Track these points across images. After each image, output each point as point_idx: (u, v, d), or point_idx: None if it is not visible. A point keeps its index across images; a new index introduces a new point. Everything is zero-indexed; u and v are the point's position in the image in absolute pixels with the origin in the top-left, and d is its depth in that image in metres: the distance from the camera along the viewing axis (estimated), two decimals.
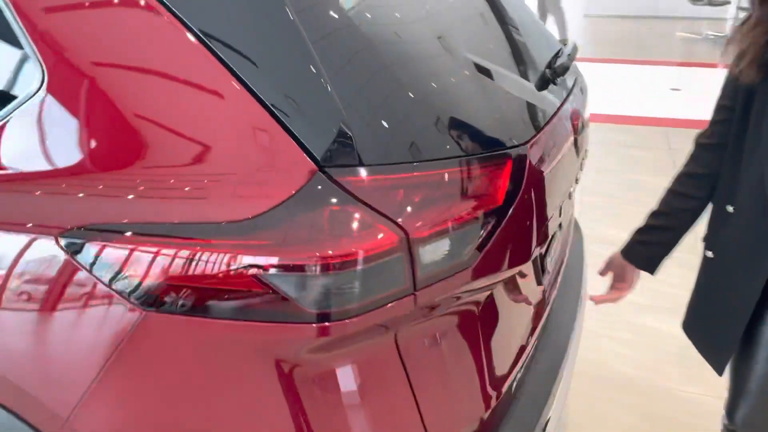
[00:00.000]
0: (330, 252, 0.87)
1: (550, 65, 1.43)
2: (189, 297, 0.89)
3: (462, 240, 0.97)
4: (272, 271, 0.87)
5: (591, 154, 4.80)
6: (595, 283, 1.88)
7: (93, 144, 0.98)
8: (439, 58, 1.18)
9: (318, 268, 0.86)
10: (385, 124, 0.97)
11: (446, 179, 0.97)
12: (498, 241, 1.01)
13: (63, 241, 0.96)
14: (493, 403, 1.15)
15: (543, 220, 1.16)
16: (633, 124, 5.60)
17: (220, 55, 0.91)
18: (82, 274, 0.95)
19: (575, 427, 2.31)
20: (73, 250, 0.95)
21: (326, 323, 0.89)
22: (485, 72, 1.23)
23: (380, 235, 0.90)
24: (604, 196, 4.12)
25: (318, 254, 0.86)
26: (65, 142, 0.98)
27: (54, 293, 0.98)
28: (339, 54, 0.98)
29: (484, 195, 1.01)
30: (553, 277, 1.55)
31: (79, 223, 0.95)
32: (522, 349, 1.30)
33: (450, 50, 1.22)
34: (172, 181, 0.92)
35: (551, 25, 8.37)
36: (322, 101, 0.92)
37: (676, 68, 7.40)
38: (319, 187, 0.90)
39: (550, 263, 1.50)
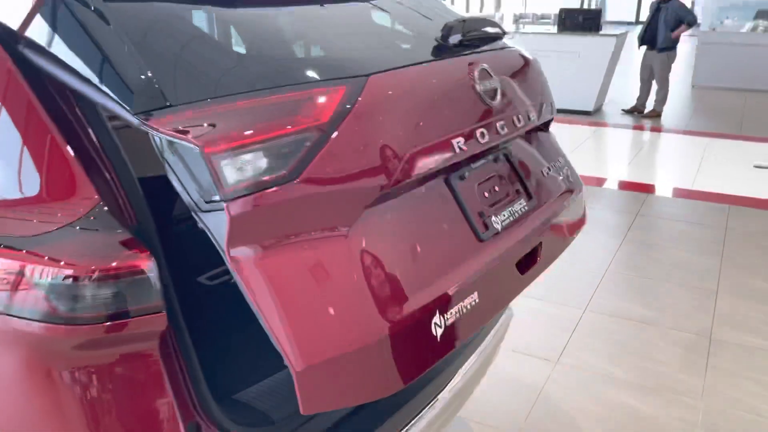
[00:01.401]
0: (84, 266, 1.08)
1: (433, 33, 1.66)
2: None
3: (275, 158, 1.09)
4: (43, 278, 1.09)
5: (637, 227, 4.73)
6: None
7: None
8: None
9: (72, 279, 1.08)
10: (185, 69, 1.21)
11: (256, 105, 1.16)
12: (326, 160, 1.13)
13: None
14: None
15: (391, 152, 1.25)
16: (695, 198, 5.35)
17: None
18: None
19: None
20: None
21: (81, 325, 1.09)
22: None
23: (129, 260, 1.10)
24: (634, 269, 3.98)
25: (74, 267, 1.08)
26: None
27: None
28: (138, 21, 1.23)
29: (302, 119, 1.15)
30: (511, 247, 1.55)
31: None
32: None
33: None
34: None
35: (653, 94, 8.24)
36: (129, 64, 1.14)
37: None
38: (92, 218, 1.13)
39: (499, 222, 1.54)
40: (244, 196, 1.06)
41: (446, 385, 1.70)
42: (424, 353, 1.25)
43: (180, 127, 1.06)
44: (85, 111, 1.22)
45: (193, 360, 1.25)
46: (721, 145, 7.00)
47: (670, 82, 8.28)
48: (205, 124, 1.08)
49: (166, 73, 1.17)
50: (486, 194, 1.57)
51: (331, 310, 1.12)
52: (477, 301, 1.36)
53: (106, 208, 1.15)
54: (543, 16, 22.09)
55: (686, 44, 14.09)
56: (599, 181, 5.85)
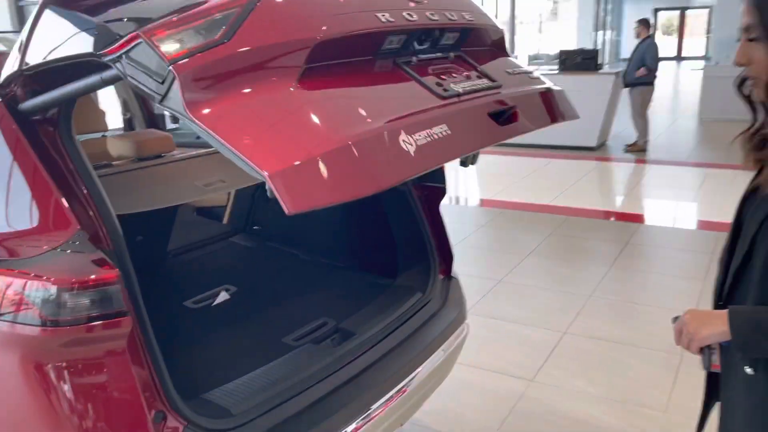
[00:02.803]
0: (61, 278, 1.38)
1: None
2: None
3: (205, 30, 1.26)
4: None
5: (626, 254, 4.87)
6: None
7: None
8: None
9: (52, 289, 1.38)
10: None
11: None
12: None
13: None
14: None
15: None
16: (686, 226, 5.51)
17: None
18: None
19: None
20: None
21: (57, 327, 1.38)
22: None
23: (96, 275, 1.40)
24: (618, 293, 4.16)
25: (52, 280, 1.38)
26: None
27: None
28: None
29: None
30: (477, 104, 1.63)
31: None
32: None
33: None
34: None
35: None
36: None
37: None
38: (78, 242, 1.43)
39: (459, 88, 1.62)
40: (184, 58, 1.24)
41: (383, 397, 1.91)
42: (397, 164, 1.33)
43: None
44: (74, 159, 1.54)
45: (158, 359, 1.52)
46: (722, 174, 7.14)
47: (649, 117, 8.53)
48: (151, 30, 1.29)
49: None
50: (443, 75, 1.65)
51: (290, 127, 1.28)
52: (447, 131, 1.45)
53: (86, 234, 1.45)
54: (557, 56, 22.45)
55: (695, 78, 14.30)
56: (596, 213, 6.06)
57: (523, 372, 3.24)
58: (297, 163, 1.17)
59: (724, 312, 1.26)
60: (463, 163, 2.16)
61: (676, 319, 1.38)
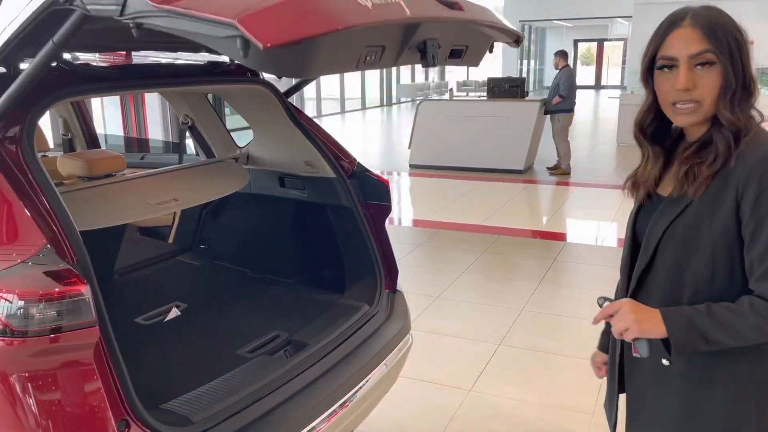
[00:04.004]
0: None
1: None
2: None
3: None
4: None
5: (553, 270, 5.11)
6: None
7: None
8: None
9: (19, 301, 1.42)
10: None
11: None
12: None
13: None
14: None
15: None
16: (608, 244, 5.89)
17: None
18: None
19: None
20: None
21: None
22: None
23: (65, 287, 1.45)
24: (547, 307, 4.41)
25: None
26: None
27: None
28: None
29: None
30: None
31: None
32: None
33: None
34: None
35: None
36: None
37: None
38: (45, 255, 1.48)
39: None
40: None
41: (327, 409, 1.99)
42: (352, 11, 1.37)
43: None
44: (37, 176, 1.59)
45: (122, 370, 1.57)
46: None
47: (569, 142, 9.04)
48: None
49: None
50: None
51: None
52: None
53: (53, 248, 1.50)
54: (485, 84, 23.25)
55: (613, 106, 15.18)
56: (525, 233, 6.37)
57: (462, 382, 3.40)
58: (261, 9, 1.24)
59: (656, 311, 1.32)
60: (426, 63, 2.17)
61: (604, 300, 1.45)
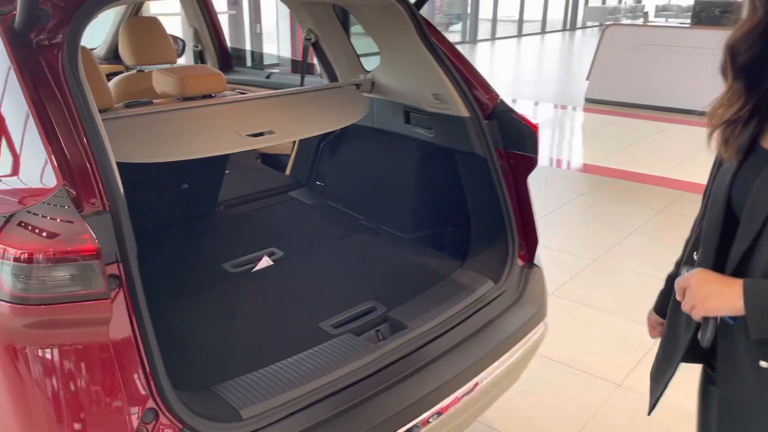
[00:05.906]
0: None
1: None
2: None
3: None
4: None
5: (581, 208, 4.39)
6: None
7: None
8: None
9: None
10: None
11: None
12: None
13: None
14: None
15: None
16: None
17: None
18: None
19: None
20: None
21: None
22: None
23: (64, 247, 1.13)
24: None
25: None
26: None
27: None
28: None
29: None
30: None
31: None
32: None
33: None
34: None
35: None
36: None
37: None
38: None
39: None
40: None
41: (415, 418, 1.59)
42: None
43: None
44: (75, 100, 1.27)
45: (152, 350, 1.25)
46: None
47: None
48: None
49: None
50: None
51: None
52: None
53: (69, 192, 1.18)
54: (689, 8, 20.60)
55: None
56: None
57: (611, 373, 2.81)
58: None
59: (738, 282, 1.06)
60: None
61: (688, 269, 1.18)
